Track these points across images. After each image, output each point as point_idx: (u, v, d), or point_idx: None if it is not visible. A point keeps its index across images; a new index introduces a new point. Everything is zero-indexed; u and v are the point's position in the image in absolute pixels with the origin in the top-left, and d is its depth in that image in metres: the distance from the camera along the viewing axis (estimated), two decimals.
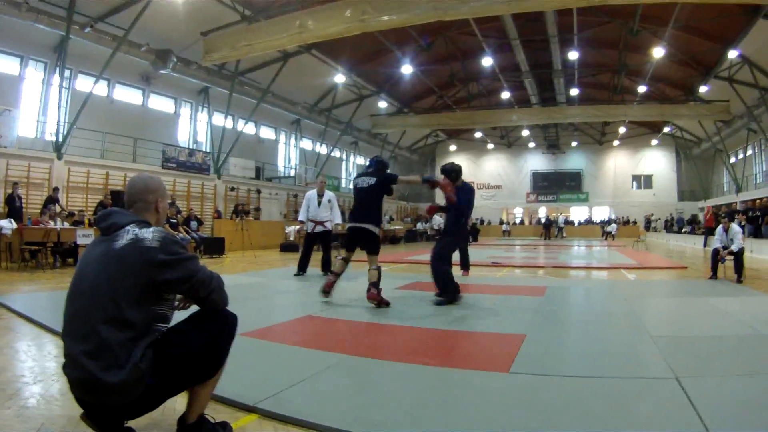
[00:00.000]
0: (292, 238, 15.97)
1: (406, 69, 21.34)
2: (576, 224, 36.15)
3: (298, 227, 11.44)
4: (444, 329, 4.31)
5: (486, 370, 3.13)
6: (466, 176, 6.04)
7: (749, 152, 25.62)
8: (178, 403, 2.16)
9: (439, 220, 26.47)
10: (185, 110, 20.18)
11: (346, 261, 5.75)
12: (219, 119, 20.39)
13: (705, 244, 18.57)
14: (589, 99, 26.97)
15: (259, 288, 7.01)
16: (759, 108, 20.62)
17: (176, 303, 2.06)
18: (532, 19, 17.54)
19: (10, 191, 11.51)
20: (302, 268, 8.25)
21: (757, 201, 19.69)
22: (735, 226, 8.18)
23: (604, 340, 4.05)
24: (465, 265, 8.75)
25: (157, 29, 15.31)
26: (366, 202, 5.55)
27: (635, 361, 3.40)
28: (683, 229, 26.65)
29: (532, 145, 37.55)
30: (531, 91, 25.91)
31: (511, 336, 4.00)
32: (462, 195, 5.69)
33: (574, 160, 37.64)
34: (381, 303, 5.24)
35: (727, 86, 20.60)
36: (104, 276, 1.81)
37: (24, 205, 11.77)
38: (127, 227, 1.90)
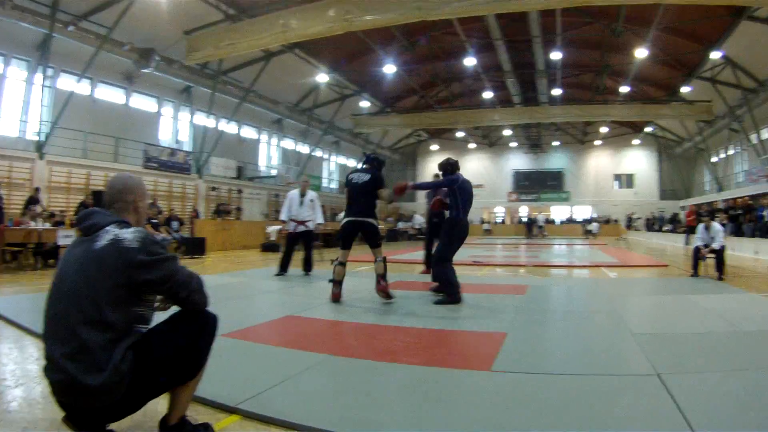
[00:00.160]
0: (273, 238, 15.85)
1: (389, 68, 21.31)
2: (558, 223, 36.36)
3: (279, 227, 11.34)
4: (425, 328, 4.32)
5: (467, 368, 3.12)
6: None
7: (731, 152, 26.03)
8: (160, 405, 2.17)
9: (420, 219, 26.47)
10: (167, 109, 19.92)
11: (344, 264, 5.63)
12: (201, 118, 20.18)
13: (686, 243, 18.84)
14: (571, 99, 27.15)
15: (240, 288, 6.94)
16: (741, 108, 20.98)
17: (156, 304, 2.06)
18: (515, 19, 17.62)
19: None
20: (284, 267, 8.20)
21: (738, 200, 20.01)
22: (716, 225, 8.27)
23: (586, 338, 4.07)
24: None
25: (140, 28, 15.15)
26: (363, 197, 5.60)
27: (617, 358, 3.42)
28: (664, 228, 27.02)
29: (513, 144, 37.77)
30: (513, 91, 26.02)
31: (493, 334, 4.01)
32: (463, 194, 5.67)
33: (555, 160, 37.90)
34: (389, 296, 5.37)
35: (709, 87, 20.98)
36: (84, 277, 1.80)
37: (5, 206, 11.50)
38: (108, 227, 1.89)
